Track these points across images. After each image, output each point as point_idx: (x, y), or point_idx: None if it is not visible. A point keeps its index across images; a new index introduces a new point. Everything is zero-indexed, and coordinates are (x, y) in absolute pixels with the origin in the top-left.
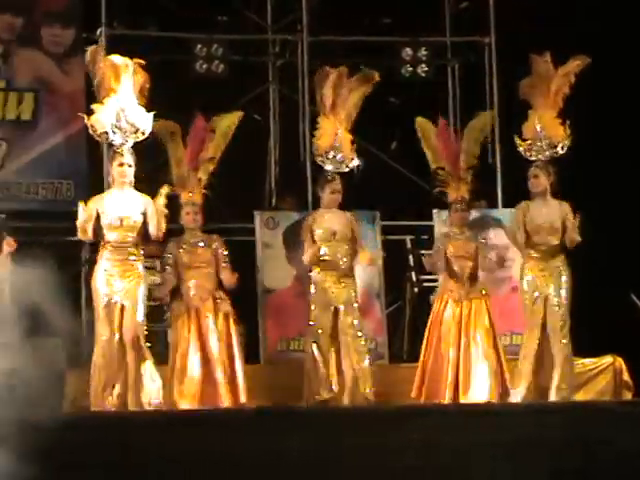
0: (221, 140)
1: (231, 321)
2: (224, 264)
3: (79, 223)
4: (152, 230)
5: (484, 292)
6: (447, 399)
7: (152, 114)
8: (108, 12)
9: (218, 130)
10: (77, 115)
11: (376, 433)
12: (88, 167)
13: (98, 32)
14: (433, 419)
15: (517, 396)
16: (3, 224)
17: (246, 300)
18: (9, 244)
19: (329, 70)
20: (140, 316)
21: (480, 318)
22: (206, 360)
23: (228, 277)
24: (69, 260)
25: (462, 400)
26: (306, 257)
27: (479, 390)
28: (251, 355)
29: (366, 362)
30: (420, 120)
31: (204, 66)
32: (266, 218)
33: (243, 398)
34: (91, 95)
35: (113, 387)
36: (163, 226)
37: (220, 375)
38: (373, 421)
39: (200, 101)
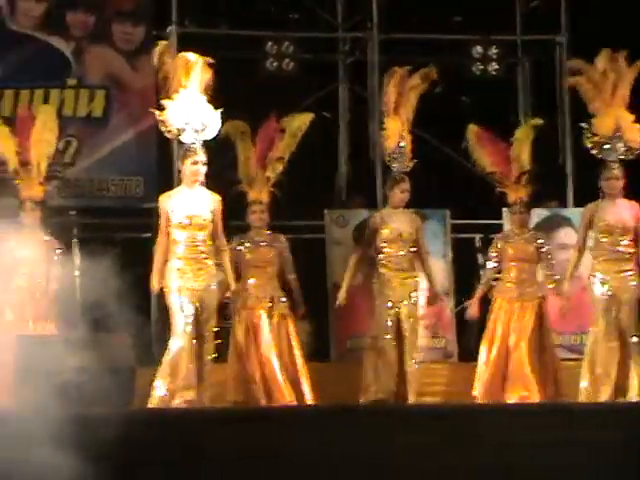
0: (291, 140)
1: (289, 322)
2: (288, 266)
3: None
4: (216, 231)
5: (540, 294)
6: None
7: (220, 112)
8: (179, 10)
9: (288, 130)
10: (147, 112)
11: (436, 432)
12: (158, 164)
13: (168, 30)
14: (495, 418)
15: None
16: (73, 221)
17: (316, 298)
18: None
19: (395, 70)
20: (212, 314)
21: (531, 320)
22: (261, 360)
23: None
24: (139, 257)
25: (511, 400)
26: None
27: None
28: (321, 353)
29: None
30: (471, 127)
31: (274, 64)
32: (336, 216)
33: (308, 397)
34: (161, 92)
35: (184, 384)
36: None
37: (278, 375)
38: (432, 419)
39: (270, 99)
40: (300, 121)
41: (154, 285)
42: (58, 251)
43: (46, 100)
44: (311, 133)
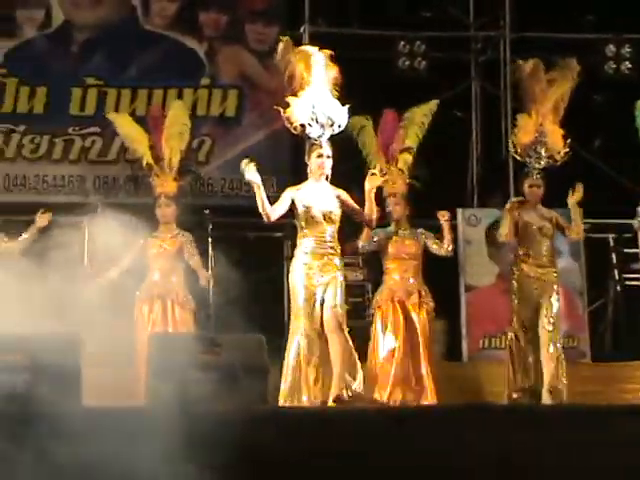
0: (417, 130)
1: (430, 318)
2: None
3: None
4: (362, 217)
5: None
6: None
7: (347, 107)
8: (311, 9)
9: (413, 120)
10: (280, 112)
11: (577, 431)
12: (290, 163)
13: (301, 29)
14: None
15: None
16: (207, 220)
17: (448, 297)
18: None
19: (522, 64)
20: (340, 309)
21: None
22: (407, 355)
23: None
24: (272, 255)
25: None
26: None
27: None
28: (454, 352)
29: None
30: None
31: (406, 63)
32: (468, 215)
33: (423, 396)
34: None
35: (315, 382)
36: (374, 209)
37: (424, 371)
38: (570, 419)
39: (402, 98)
40: (424, 110)
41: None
42: (192, 247)
43: (180, 99)
44: (443, 132)
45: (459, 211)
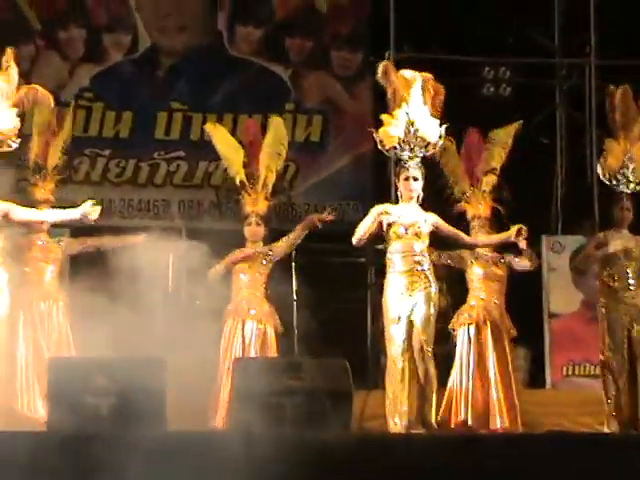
0: (500, 151)
1: (512, 343)
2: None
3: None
4: (462, 239)
5: None
6: None
7: (444, 127)
8: (396, 35)
9: (496, 142)
10: (364, 137)
11: None
12: (375, 189)
13: (386, 55)
14: None
15: None
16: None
17: (532, 324)
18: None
19: (613, 89)
20: (430, 329)
21: None
22: (484, 379)
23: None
24: (355, 281)
25: None
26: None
27: None
28: (537, 380)
29: None
30: None
31: (491, 89)
32: (553, 242)
33: (503, 422)
34: (378, 117)
35: (402, 404)
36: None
37: (505, 397)
38: None
39: (486, 124)
40: (507, 131)
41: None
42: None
43: (264, 125)
44: (528, 158)
45: (543, 238)
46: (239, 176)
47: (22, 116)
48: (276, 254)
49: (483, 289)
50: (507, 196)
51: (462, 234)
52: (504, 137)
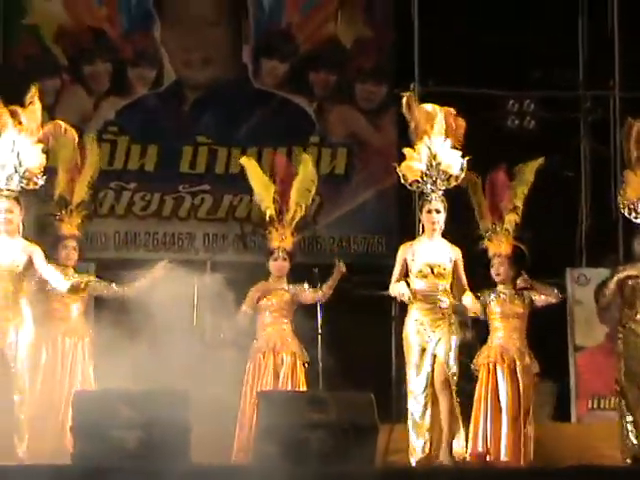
0: (523, 188)
1: (534, 379)
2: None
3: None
4: (457, 282)
5: None
6: None
7: (466, 159)
8: (420, 69)
9: (519, 179)
10: (388, 170)
11: None
12: (399, 222)
13: (410, 88)
14: None
15: None
16: (315, 278)
17: (557, 358)
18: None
19: (630, 121)
20: (453, 365)
21: None
22: (510, 416)
23: None
24: (380, 314)
25: None
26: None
27: None
28: (562, 413)
29: None
30: None
31: (515, 122)
32: (577, 275)
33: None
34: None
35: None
36: (464, 281)
37: (528, 432)
38: None
39: (511, 158)
40: (530, 168)
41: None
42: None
43: (289, 158)
44: (552, 191)
45: (568, 271)
46: (269, 211)
47: (47, 152)
48: (302, 300)
49: (502, 327)
50: (528, 235)
51: (463, 285)
52: (527, 174)
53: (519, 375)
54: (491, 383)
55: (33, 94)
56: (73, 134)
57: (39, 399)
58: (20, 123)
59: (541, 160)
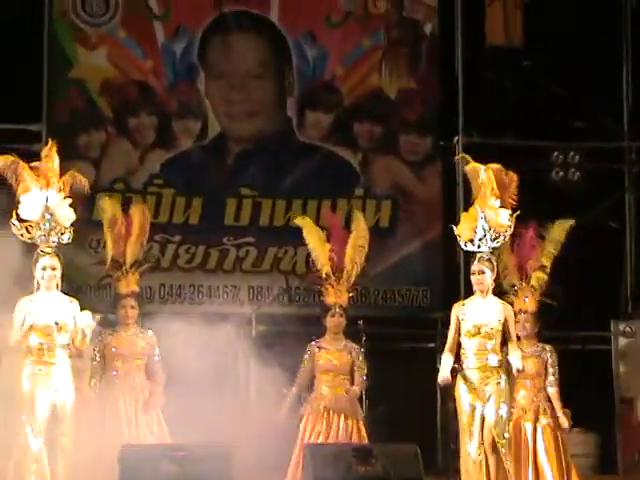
0: (552, 248)
1: (556, 433)
2: (552, 378)
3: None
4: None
5: None
6: None
7: (513, 216)
8: (465, 121)
9: (549, 238)
10: (433, 222)
11: None
12: (444, 274)
13: (455, 140)
14: None
15: None
16: (361, 330)
17: (602, 409)
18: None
19: None
20: (502, 423)
21: None
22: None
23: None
24: (424, 365)
25: None
26: None
27: None
28: (608, 465)
29: None
30: None
31: (560, 174)
32: (623, 326)
33: None
34: (447, 202)
35: None
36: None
37: None
38: None
39: (555, 209)
40: (561, 228)
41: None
42: (360, 361)
43: (334, 210)
44: (596, 242)
45: (613, 323)
46: (325, 269)
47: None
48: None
49: (523, 385)
50: (557, 291)
51: (512, 342)
52: (557, 234)
53: (543, 431)
54: (523, 441)
55: (50, 148)
56: (85, 183)
57: (89, 452)
58: (45, 179)
59: (572, 222)
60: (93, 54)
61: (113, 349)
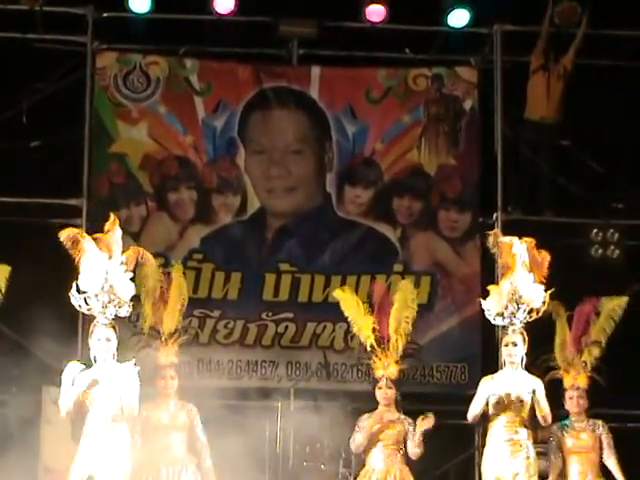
0: (606, 323)
1: None
2: (608, 450)
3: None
4: (540, 413)
5: None
6: None
7: (547, 293)
8: (504, 197)
9: (603, 313)
10: (472, 298)
11: None
12: (483, 351)
13: (494, 217)
14: None
15: None
16: (399, 406)
17: None
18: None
19: None
20: None
21: None
22: None
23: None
24: (463, 443)
25: None
26: None
27: None
28: None
29: None
30: None
31: (599, 251)
32: None
33: None
34: (486, 279)
35: None
36: (548, 411)
37: None
38: None
39: (594, 286)
40: (615, 303)
41: None
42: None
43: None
44: (635, 318)
45: None
46: (369, 340)
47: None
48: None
49: (576, 461)
50: (604, 369)
51: (544, 417)
52: (613, 310)
53: None
54: None
55: (113, 221)
56: (151, 260)
57: None
58: (108, 251)
59: (626, 299)
60: (134, 129)
61: (155, 420)
